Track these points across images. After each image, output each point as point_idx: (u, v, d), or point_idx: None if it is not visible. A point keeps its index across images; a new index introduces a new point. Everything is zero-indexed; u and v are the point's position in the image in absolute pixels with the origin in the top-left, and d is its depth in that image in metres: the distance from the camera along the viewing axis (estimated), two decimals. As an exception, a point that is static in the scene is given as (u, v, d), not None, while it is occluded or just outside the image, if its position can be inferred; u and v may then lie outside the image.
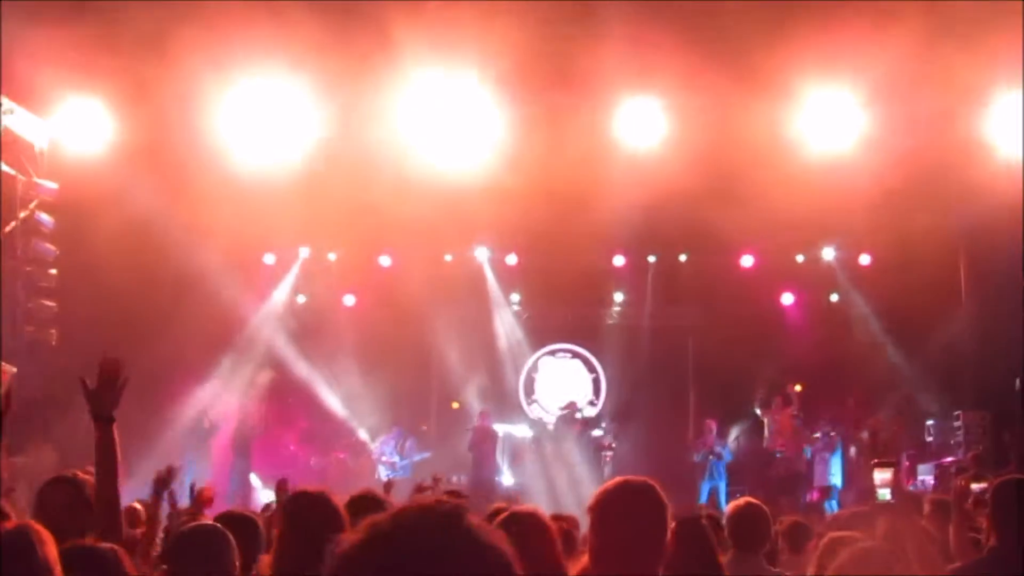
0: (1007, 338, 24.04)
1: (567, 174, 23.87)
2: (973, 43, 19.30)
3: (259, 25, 19.35)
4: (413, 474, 25.48)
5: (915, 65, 20.24)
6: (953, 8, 18.24)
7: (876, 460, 22.20)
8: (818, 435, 25.74)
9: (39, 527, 5.23)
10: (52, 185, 22.74)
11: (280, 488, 12.88)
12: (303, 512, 6.36)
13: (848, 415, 26.78)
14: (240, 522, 7.31)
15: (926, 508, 10.77)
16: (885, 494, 13.74)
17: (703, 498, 25.47)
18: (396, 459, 26.15)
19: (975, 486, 14.75)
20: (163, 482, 9.15)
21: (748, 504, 8.10)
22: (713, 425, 26.80)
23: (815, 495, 25.09)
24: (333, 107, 22.70)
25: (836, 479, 24.82)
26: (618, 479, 5.62)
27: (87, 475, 7.08)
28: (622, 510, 5.38)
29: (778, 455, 26.06)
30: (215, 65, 20.72)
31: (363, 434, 28.50)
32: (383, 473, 26.22)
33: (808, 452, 25.49)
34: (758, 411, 27.38)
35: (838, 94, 22.40)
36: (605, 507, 5.42)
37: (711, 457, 26.22)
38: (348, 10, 19.19)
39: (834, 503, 23.79)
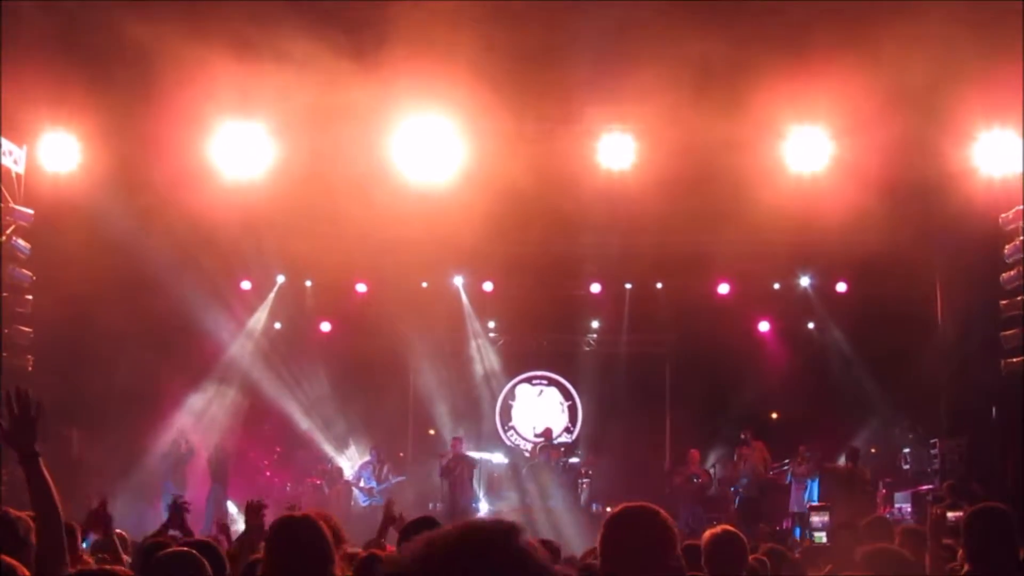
0: (983, 366, 24.12)
1: (544, 201, 23.92)
2: (950, 73, 19.40)
3: (235, 55, 19.35)
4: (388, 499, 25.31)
5: (891, 94, 20.33)
6: (931, 39, 18.33)
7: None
8: (786, 464, 25.72)
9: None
10: (28, 211, 22.66)
11: (250, 510, 12.78)
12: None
13: (825, 442, 26.79)
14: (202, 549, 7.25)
15: (896, 539, 10.78)
16: (822, 537, 13.76)
17: (683, 523, 25.43)
18: (373, 484, 26.06)
19: (951, 514, 14.78)
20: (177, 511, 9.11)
21: (725, 531, 8.10)
22: (696, 455, 26.79)
23: (787, 522, 25.03)
24: (309, 135, 22.71)
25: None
26: (626, 504, 5.69)
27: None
28: (630, 533, 5.46)
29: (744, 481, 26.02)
30: (191, 94, 20.70)
31: (338, 460, 28.46)
32: (360, 499, 26.13)
33: (788, 477, 25.44)
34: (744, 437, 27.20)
35: (814, 123, 22.48)
36: (615, 529, 5.49)
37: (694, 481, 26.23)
38: (324, 38, 19.20)
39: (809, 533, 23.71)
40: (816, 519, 21.46)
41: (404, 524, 10.13)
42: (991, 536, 7.42)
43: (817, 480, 24.97)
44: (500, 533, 2.64)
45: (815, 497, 24.69)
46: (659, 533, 5.51)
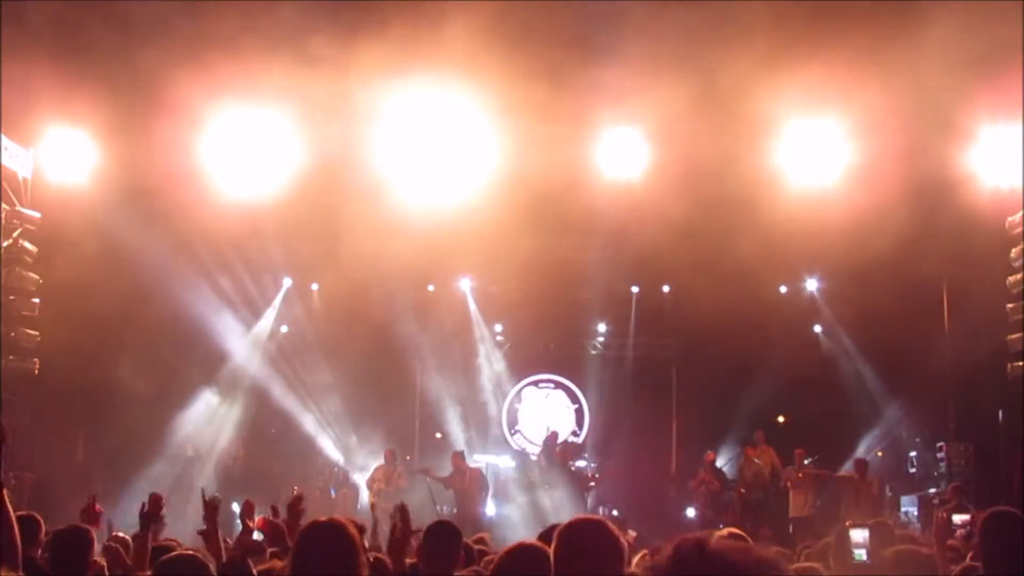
0: (989, 369, 24.11)
1: (551, 205, 23.94)
2: (957, 76, 19.39)
3: (243, 60, 19.37)
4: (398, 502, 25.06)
5: (898, 98, 20.33)
6: (938, 44, 18.32)
7: (849, 522, 21.75)
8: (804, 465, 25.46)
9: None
10: (35, 214, 22.69)
11: (247, 513, 12.71)
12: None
13: (830, 446, 26.74)
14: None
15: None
16: (862, 555, 13.67)
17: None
18: (383, 486, 25.93)
19: (957, 518, 14.75)
20: (150, 516, 9.12)
21: (731, 534, 8.07)
22: (712, 457, 26.69)
23: (791, 527, 24.83)
24: (317, 139, 22.72)
25: (813, 510, 24.52)
26: (578, 517, 5.69)
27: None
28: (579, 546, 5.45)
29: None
30: (199, 97, 20.72)
31: (345, 463, 28.40)
32: (371, 500, 25.96)
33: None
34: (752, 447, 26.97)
35: (822, 127, 22.46)
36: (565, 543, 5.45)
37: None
38: (332, 43, 19.21)
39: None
40: (857, 535, 20.88)
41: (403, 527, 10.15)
42: (1005, 539, 7.39)
43: (814, 483, 24.70)
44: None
45: (814, 501, 24.50)
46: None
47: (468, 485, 25.48)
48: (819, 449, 25.66)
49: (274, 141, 22.81)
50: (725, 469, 27.58)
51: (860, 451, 26.60)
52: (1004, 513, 7.71)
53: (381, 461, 26.73)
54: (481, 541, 11.84)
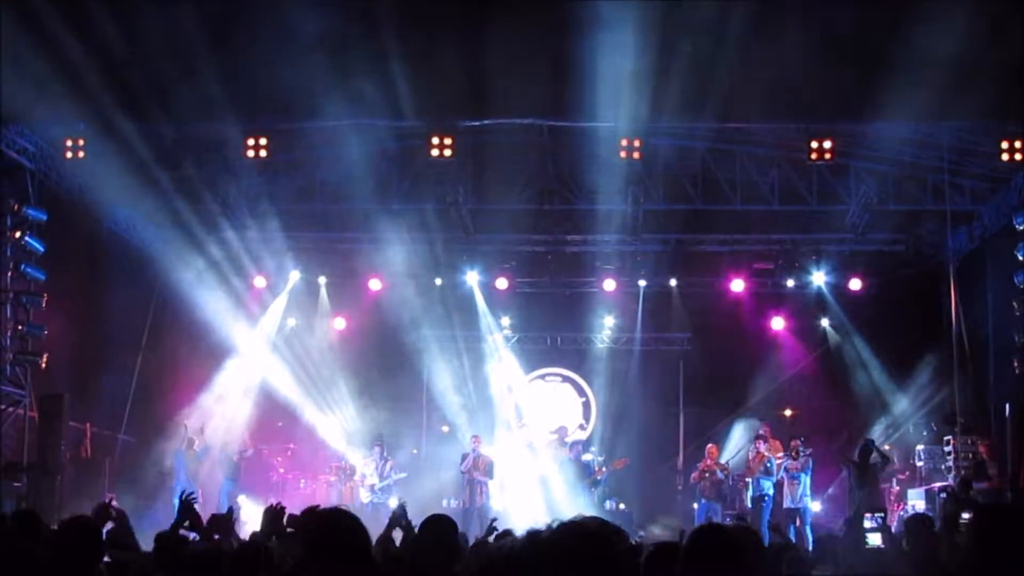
0: (997, 364, 24.08)
1: (558, 199, 23.92)
2: (966, 68, 19.32)
3: (246, 50, 19.35)
4: (391, 496, 25.09)
5: (903, 89, 20.26)
6: (944, 36, 18.26)
7: (865, 505, 21.61)
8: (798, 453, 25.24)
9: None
10: (42, 211, 22.66)
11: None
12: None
13: (841, 439, 26.71)
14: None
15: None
16: (876, 539, 13.65)
17: (699, 518, 25.28)
18: (376, 481, 25.92)
19: (964, 513, 14.72)
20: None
21: (739, 527, 8.05)
22: (714, 450, 26.53)
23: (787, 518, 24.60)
24: (320, 133, 22.71)
25: (808, 500, 24.33)
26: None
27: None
28: None
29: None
30: (202, 90, 20.68)
31: (351, 457, 28.37)
32: (364, 496, 25.95)
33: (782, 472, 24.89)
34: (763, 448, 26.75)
35: (828, 118, 22.39)
36: None
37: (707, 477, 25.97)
38: (333, 31, 19.18)
39: (807, 528, 23.46)
40: (869, 521, 20.54)
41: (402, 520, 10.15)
42: (999, 536, 7.30)
43: (809, 474, 24.53)
44: (608, 535, 2.85)
45: (808, 492, 24.32)
46: None
47: (476, 465, 25.53)
48: (824, 444, 25.61)
49: (276, 136, 22.81)
50: (733, 462, 27.51)
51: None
52: (1002, 508, 7.67)
53: (369, 454, 26.74)
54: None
